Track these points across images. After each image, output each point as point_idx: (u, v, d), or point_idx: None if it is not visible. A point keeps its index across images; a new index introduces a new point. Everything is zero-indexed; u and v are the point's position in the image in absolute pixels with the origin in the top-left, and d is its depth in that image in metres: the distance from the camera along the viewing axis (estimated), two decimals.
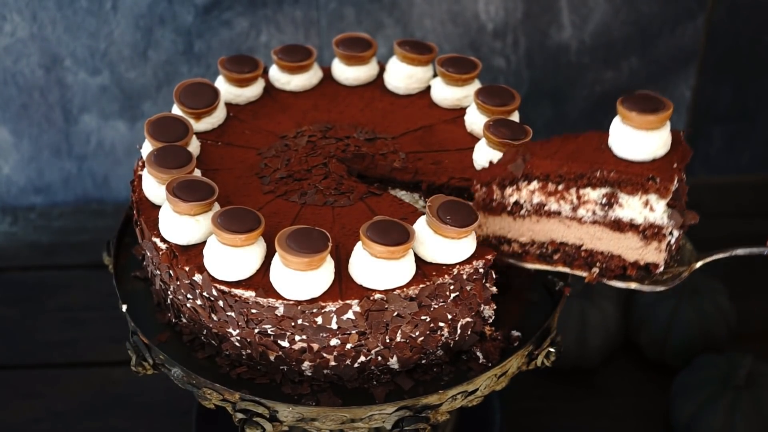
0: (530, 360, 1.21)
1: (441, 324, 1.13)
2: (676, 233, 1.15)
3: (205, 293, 1.12)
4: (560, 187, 1.13)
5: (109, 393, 1.62)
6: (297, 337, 1.10)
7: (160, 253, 1.15)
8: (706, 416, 1.44)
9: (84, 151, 1.95)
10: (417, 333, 1.12)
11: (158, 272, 1.18)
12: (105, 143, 1.94)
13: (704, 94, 1.96)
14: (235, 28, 1.83)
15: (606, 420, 1.58)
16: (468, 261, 1.11)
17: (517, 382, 1.30)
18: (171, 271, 1.14)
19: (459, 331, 1.15)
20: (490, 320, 1.18)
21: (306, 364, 1.13)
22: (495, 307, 1.17)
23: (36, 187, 1.99)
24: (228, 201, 1.19)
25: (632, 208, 1.12)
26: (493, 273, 1.14)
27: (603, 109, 1.95)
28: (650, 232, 1.12)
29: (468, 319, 1.15)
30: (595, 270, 1.16)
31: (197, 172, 1.19)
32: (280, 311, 1.08)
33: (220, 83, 1.37)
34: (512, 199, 1.16)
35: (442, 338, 1.15)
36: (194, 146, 1.26)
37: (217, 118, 1.32)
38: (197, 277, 1.11)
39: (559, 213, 1.15)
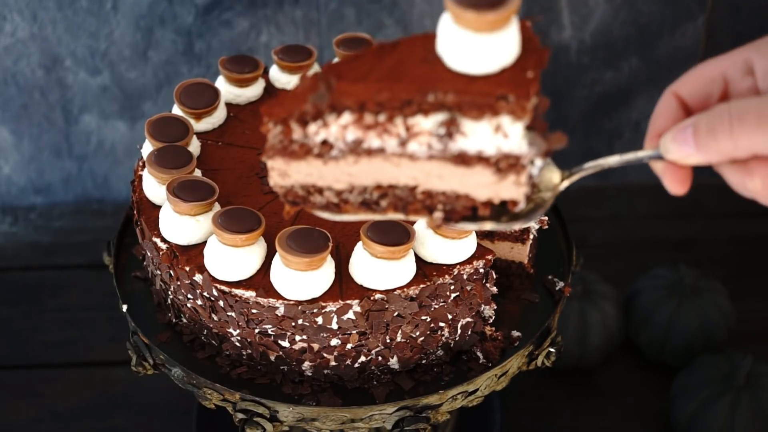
0: (530, 360, 1.21)
1: (441, 324, 1.13)
2: (538, 162, 0.89)
3: (205, 293, 1.12)
4: (381, 118, 0.86)
5: (109, 393, 1.62)
6: (297, 337, 1.10)
7: (161, 253, 1.15)
8: (706, 416, 1.44)
9: (84, 151, 1.95)
10: (417, 333, 1.12)
11: (159, 272, 1.18)
12: (105, 143, 1.94)
13: None
14: (236, 28, 1.83)
15: (606, 420, 1.58)
16: (468, 261, 1.11)
17: (517, 382, 1.30)
18: (171, 271, 1.14)
19: (459, 331, 1.15)
20: (491, 320, 1.18)
21: (306, 364, 1.13)
22: (495, 307, 1.17)
23: (36, 187, 1.99)
24: (228, 201, 1.19)
25: (479, 136, 0.85)
26: (493, 273, 1.14)
27: (603, 109, 1.95)
28: (505, 164, 0.86)
29: (468, 319, 1.15)
30: (438, 214, 0.90)
31: (197, 172, 1.19)
32: (281, 311, 1.08)
33: (221, 83, 1.37)
34: (319, 138, 0.88)
35: (443, 338, 1.15)
36: (194, 146, 1.26)
37: (217, 118, 1.32)
38: (198, 277, 1.11)
39: (383, 150, 0.88)
